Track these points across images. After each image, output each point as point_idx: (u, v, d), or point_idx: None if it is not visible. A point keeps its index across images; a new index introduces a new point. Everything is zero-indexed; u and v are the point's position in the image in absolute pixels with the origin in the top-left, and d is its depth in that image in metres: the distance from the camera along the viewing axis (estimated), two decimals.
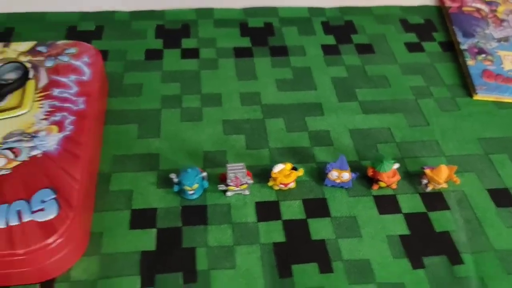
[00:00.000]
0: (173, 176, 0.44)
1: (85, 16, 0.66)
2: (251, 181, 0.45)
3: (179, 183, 0.44)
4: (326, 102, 0.56)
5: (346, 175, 0.46)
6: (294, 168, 0.45)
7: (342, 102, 0.56)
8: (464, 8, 0.70)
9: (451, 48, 0.65)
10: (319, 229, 0.43)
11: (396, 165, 0.46)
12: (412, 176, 0.48)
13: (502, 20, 0.68)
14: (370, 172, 0.47)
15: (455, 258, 0.42)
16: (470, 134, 0.53)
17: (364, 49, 0.64)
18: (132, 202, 0.45)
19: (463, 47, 0.63)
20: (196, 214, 0.44)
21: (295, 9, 0.70)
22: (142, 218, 0.43)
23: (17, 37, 0.62)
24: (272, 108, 0.55)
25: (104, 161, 0.48)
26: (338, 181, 0.46)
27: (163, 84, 0.57)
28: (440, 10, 0.72)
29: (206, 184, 0.45)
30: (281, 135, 0.52)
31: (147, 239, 0.42)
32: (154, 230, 0.43)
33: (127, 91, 0.56)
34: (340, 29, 0.67)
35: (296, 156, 0.50)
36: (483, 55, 0.62)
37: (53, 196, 0.39)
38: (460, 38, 0.65)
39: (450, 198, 0.47)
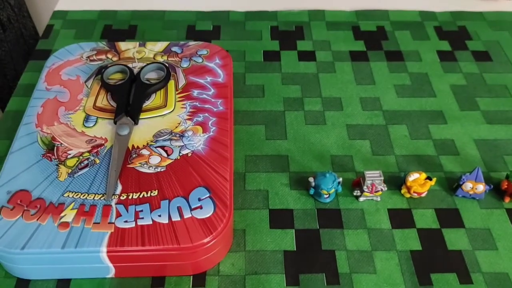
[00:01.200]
0: (311, 179, 0.46)
1: (201, 15, 0.69)
2: (385, 189, 0.46)
3: (316, 187, 0.46)
4: (448, 110, 0.56)
5: (481, 187, 0.46)
6: (429, 178, 0.46)
7: (463, 111, 0.56)
8: None
9: None
10: (455, 239, 0.44)
11: None
12: None
13: None
14: (504, 185, 0.47)
15: None
16: None
17: (481, 56, 0.63)
18: (269, 202, 0.47)
19: None
20: (331, 217, 0.46)
21: (406, 13, 0.70)
22: (280, 218, 0.46)
23: (140, 34, 0.66)
24: (394, 114, 0.56)
25: (238, 161, 0.50)
26: (471, 192, 0.46)
27: (284, 86, 0.59)
28: None
29: (340, 189, 0.47)
30: (406, 142, 0.53)
31: (288, 239, 0.44)
32: (292, 231, 0.45)
33: (250, 92, 0.58)
34: (454, 34, 0.67)
35: (423, 164, 0.51)
36: None
37: (208, 195, 0.42)
38: None
39: None
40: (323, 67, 0.62)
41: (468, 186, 0.46)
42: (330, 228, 0.45)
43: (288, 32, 0.67)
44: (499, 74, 0.61)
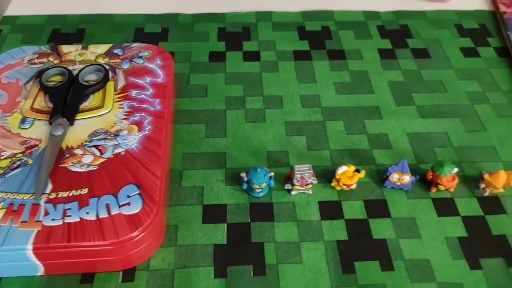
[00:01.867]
0: (243, 174, 0.47)
1: (150, 18, 0.70)
2: (315, 182, 0.47)
3: (248, 182, 0.47)
4: (384, 106, 0.58)
5: (407, 178, 0.48)
6: (357, 170, 0.48)
7: (399, 106, 0.58)
8: None
9: (506, 53, 0.65)
10: (380, 229, 0.46)
11: (455, 169, 0.48)
12: (469, 180, 0.50)
13: None
14: (429, 176, 0.48)
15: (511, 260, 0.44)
16: None
17: (420, 53, 0.65)
18: (204, 197, 0.48)
19: None
20: (263, 211, 0.47)
21: (351, 13, 0.72)
22: (213, 213, 0.47)
23: (88, 37, 0.67)
24: (332, 110, 0.57)
25: (176, 159, 0.51)
26: (398, 183, 0.48)
27: (227, 85, 0.60)
28: (495, 15, 0.72)
29: (272, 183, 0.48)
30: (341, 137, 0.54)
31: (219, 233, 0.45)
32: (224, 225, 0.46)
33: (193, 91, 0.59)
34: (396, 33, 0.69)
35: (356, 158, 0.52)
36: None
37: (138, 192, 0.43)
38: None
39: (507, 203, 0.48)
40: (266, 67, 0.63)
41: (394, 177, 0.48)
42: (261, 221, 0.46)
43: (235, 33, 0.68)
44: (436, 71, 0.63)
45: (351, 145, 0.54)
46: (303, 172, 0.46)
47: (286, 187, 0.48)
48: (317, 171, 0.50)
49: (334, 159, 0.52)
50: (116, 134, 0.48)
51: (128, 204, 0.42)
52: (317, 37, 0.68)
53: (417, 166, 0.51)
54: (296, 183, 0.47)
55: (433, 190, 0.49)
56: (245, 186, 0.48)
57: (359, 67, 0.63)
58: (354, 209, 0.47)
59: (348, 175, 0.47)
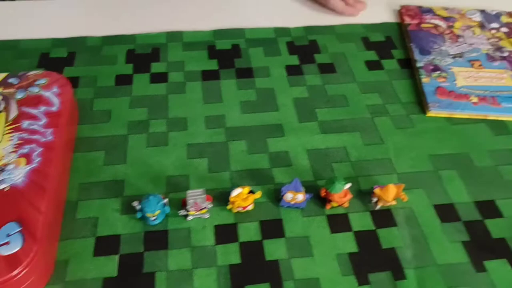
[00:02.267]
0: (135, 203, 0.47)
1: (57, 42, 0.69)
2: (210, 206, 0.48)
3: (141, 210, 0.47)
4: (287, 123, 0.59)
5: (300, 197, 0.48)
6: (252, 192, 0.48)
7: (302, 122, 0.59)
8: (423, 25, 0.73)
9: (409, 65, 0.68)
10: (274, 250, 0.46)
11: (348, 185, 0.49)
12: (365, 194, 0.51)
13: (458, 36, 0.71)
14: (322, 193, 0.49)
15: (398, 273, 0.45)
16: (422, 151, 0.56)
17: (326, 68, 0.67)
18: (98, 229, 0.47)
19: (419, 64, 0.66)
20: (158, 239, 0.47)
21: (262, 30, 0.73)
22: (106, 245, 0.46)
23: None
24: (236, 130, 0.58)
25: (72, 189, 0.50)
26: (293, 202, 0.49)
27: (131, 109, 0.60)
28: (401, 26, 0.74)
29: (167, 209, 0.48)
30: (243, 157, 0.55)
31: (110, 266, 0.45)
32: (117, 257, 0.45)
33: (96, 117, 0.58)
34: (304, 48, 0.70)
35: (256, 177, 0.53)
36: (438, 72, 0.65)
37: (19, 229, 0.42)
38: (417, 55, 0.68)
39: (399, 215, 0.49)
40: (173, 88, 0.63)
41: (288, 196, 0.48)
42: (155, 250, 0.46)
43: (144, 55, 0.68)
44: (340, 85, 0.64)
45: (252, 165, 0.54)
46: (196, 197, 0.46)
47: (180, 214, 0.48)
48: (216, 193, 0.50)
49: (234, 181, 0.52)
50: (2, 169, 0.46)
51: (7, 243, 0.41)
52: (227, 56, 0.68)
53: (315, 183, 0.52)
54: (190, 209, 0.47)
55: (328, 207, 0.50)
56: (139, 215, 0.47)
57: (266, 85, 0.64)
58: (249, 231, 0.48)
59: (242, 197, 0.48)
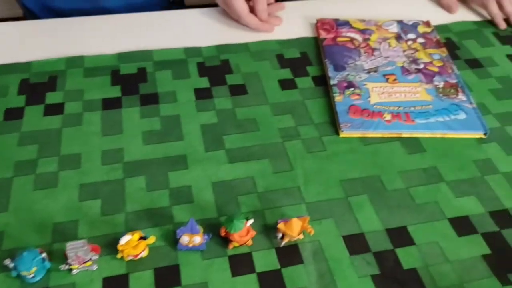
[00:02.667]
0: (7, 262, 0.42)
1: None
2: (95, 257, 0.43)
3: (15, 268, 0.41)
4: (192, 153, 0.55)
5: (198, 239, 0.45)
6: (143, 238, 0.44)
7: (208, 152, 0.55)
8: (339, 39, 0.71)
9: (324, 82, 0.65)
10: None
11: (250, 221, 0.45)
12: (270, 229, 0.48)
13: (374, 49, 0.69)
14: (222, 232, 0.46)
15: None
16: (333, 176, 0.53)
17: (237, 90, 0.63)
18: None
19: (333, 82, 0.64)
20: None
21: (171, 51, 0.68)
22: None
23: None
24: (135, 165, 0.53)
25: None
26: (190, 245, 0.45)
27: (20, 147, 0.54)
28: (317, 41, 0.72)
29: (48, 264, 0.43)
30: (141, 196, 0.50)
31: None
32: None
33: None
34: (216, 69, 0.66)
35: (154, 218, 0.48)
36: (351, 89, 0.62)
37: None
38: (331, 72, 0.65)
39: (306, 250, 0.46)
40: (69, 121, 0.58)
41: (185, 239, 0.44)
42: None
43: (39, 84, 0.62)
44: (251, 108, 0.61)
45: (150, 203, 0.50)
46: (77, 249, 0.42)
47: (62, 268, 0.43)
48: (108, 240, 0.46)
49: (129, 223, 0.48)
50: None
51: None
52: (131, 81, 0.64)
53: (217, 220, 0.48)
54: (72, 262, 0.42)
55: (230, 246, 0.46)
56: (14, 273, 0.42)
57: (172, 111, 0.60)
58: (142, 282, 0.43)
59: (132, 244, 0.43)
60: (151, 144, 0.56)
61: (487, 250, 0.47)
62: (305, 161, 0.55)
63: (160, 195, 0.50)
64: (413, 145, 0.57)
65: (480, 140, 0.58)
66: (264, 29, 0.72)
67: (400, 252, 0.47)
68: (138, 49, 0.68)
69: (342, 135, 0.58)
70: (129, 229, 0.47)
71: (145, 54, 0.68)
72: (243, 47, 0.70)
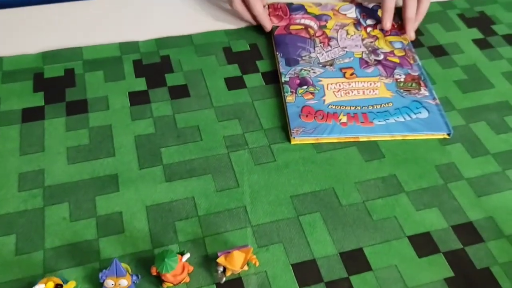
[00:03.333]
0: None
1: None
2: None
3: None
4: (125, 171, 0.49)
5: (124, 282, 0.39)
6: (59, 286, 0.38)
7: (143, 169, 0.49)
8: (292, 27, 0.64)
9: (275, 79, 0.59)
10: None
11: (186, 256, 0.40)
12: (211, 261, 0.42)
13: (331, 39, 0.63)
14: (153, 272, 0.40)
15: None
16: (283, 191, 0.48)
17: (178, 92, 0.57)
18: None
19: (284, 78, 0.58)
20: None
21: (104, 47, 0.61)
22: None
23: None
24: (57, 189, 0.47)
25: None
26: None
27: None
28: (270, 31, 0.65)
29: None
30: (63, 228, 0.44)
31: None
32: None
33: None
34: (155, 67, 0.59)
35: (77, 255, 0.42)
36: (305, 87, 0.56)
37: None
38: (282, 67, 0.59)
39: (250, 284, 0.41)
40: None
41: (109, 283, 0.39)
42: None
43: None
44: (193, 113, 0.54)
45: (73, 237, 0.43)
46: None
47: None
48: (22, 285, 0.40)
49: (48, 263, 0.42)
50: None
51: None
52: (57, 86, 0.56)
53: (152, 253, 0.43)
54: None
55: (164, 286, 0.40)
56: None
57: (103, 121, 0.53)
58: None
59: None
60: (77, 162, 0.49)
61: (450, 273, 0.43)
62: (252, 176, 0.49)
63: (85, 226, 0.44)
64: (371, 150, 0.52)
65: (443, 141, 0.53)
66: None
67: (355, 280, 0.42)
68: (66, 46, 0.60)
69: (294, 141, 0.52)
70: (48, 270, 0.41)
71: (73, 52, 0.60)
72: (186, 40, 0.63)
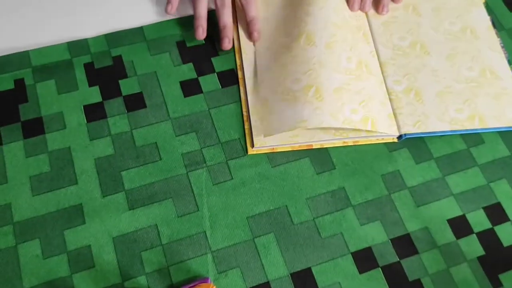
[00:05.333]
0: None
1: None
2: None
3: None
4: (88, 201, 0.51)
5: None
6: None
7: (106, 196, 0.51)
8: None
9: (232, 80, 0.59)
10: None
11: None
12: None
13: None
14: None
15: None
16: (240, 213, 0.51)
17: (134, 102, 0.57)
18: None
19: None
20: None
21: (51, 49, 0.59)
22: None
23: None
24: (27, 225, 0.49)
25: None
26: None
27: None
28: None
29: None
30: (37, 265, 0.48)
31: None
32: None
33: None
34: (107, 72, 0.58)
35: None
36: None
37: None
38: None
39: None
40: None
41: None
42: None
43: None
44: (151, 128, 0.55)
45: (48, 275, 0.47)
46: None
47: None
48: None
49: None
50: None
51: None
52: (9, 101, 0.55)
53: (122, 286, 0.48)
54: None
55: None
56: None
57: (61, 143, 0.54)
58: None
59: None
60: (42, 193, 0.51)
61: (385, 287, 0.49)
62: (211, 197, 0.52)
63: (57, 262, 0.48)
64: (323, 161, 0.55)
65: (391, 146, 0.56)
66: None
67: None
68: (13, 50, 0.58)
69: (251, 152, 0.54)
70: None
71: (21, 58, 0.58)
72: (137, 34, 0.61)
